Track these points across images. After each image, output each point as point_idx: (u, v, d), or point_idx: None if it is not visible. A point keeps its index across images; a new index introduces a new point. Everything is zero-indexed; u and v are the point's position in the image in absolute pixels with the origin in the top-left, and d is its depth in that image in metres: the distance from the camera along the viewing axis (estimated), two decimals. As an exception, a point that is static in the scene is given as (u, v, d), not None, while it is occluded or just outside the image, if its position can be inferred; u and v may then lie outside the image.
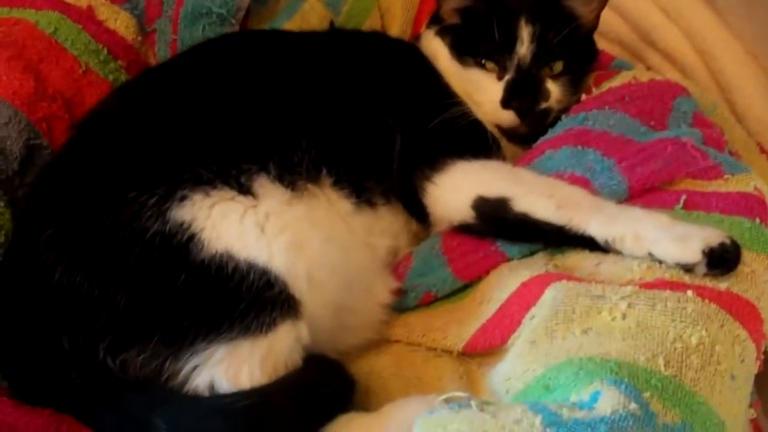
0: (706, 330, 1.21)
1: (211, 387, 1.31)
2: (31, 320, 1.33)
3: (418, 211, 1.68)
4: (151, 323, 1.30)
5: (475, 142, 1.71)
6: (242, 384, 1.31)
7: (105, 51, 1.91)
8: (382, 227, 1.66)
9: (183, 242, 1.32)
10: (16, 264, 1.41)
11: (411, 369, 1.52)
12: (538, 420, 1.04)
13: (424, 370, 1.51)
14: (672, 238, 1.37)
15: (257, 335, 1.31)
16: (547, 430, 1.02)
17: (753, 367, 1.28)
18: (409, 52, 1.90)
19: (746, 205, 1.47)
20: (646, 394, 1.09)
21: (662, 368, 1.14)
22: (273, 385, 1.32)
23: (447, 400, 1.20)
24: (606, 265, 1.42)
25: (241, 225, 1.36)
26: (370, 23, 2.19)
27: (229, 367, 1.31)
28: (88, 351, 1.30)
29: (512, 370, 1.28)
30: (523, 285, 1.42)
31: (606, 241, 1.43)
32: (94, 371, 1.30)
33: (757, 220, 1.45)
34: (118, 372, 1.30)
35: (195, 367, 1.31)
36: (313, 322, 1.38)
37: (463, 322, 1.51)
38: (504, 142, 1.78)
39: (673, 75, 2.03)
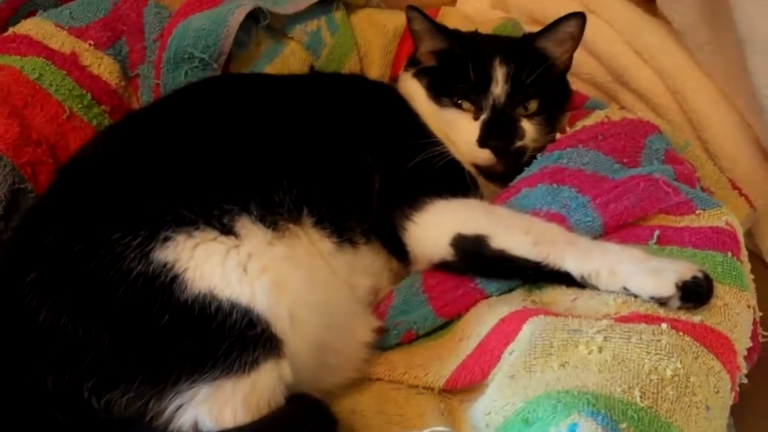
0: (681, 362, 1.23)
1: (195, 426, 1.32)
2: (15, 361, 1.33)
3: (397, 250, 1.70)
4: (135, 363, 1.30)
5: (453, 180, 1.73)
6: (226, 423, 1.32)
7: (89, 96, 1.92)
8: (363, 266, 1.67)
9: (166, 283, 1.33)
10: (0, 306, 1.40)
11: (393, 407, 1.53)
12: (517, 453, 1.06)
13: (406, 408, 1.52)
14: (646, 273, 1.40)
15: (240, 374, 1.32)
16: (526, 462, 1.04)
17: (728, 398, 1.31)
18: (388, 93, 1.93)
19: (718, 239, 1.50)
20: (623, 425, 1.12)
21: (638, 400, 1.16)
22: (256, 423, 1.33)
23: (428, 436, 1.22)
24: (582, 300, 1.45)
25: (223, 265, 1.37)
26: (350, 67, 2.21)
27: (212, 407, 1.32)
28: (73, 391, 1.30)
29: (492, 405, 1.30)
30: (502, 321, 1.44)
31: (582, 277, 1.46)
32: (79, 412, 1.30)
33: (729, 254, 1.48)
34: (103, 412, 1.31)
35: (179, 407, 1.32)
36: (296, 361, 1.38)
37: (443, 359, 1.52)
38: (481, 181, 1.81)
39: (646, 114, 2.06)
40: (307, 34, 2.15)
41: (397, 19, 2.25)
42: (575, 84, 2.03)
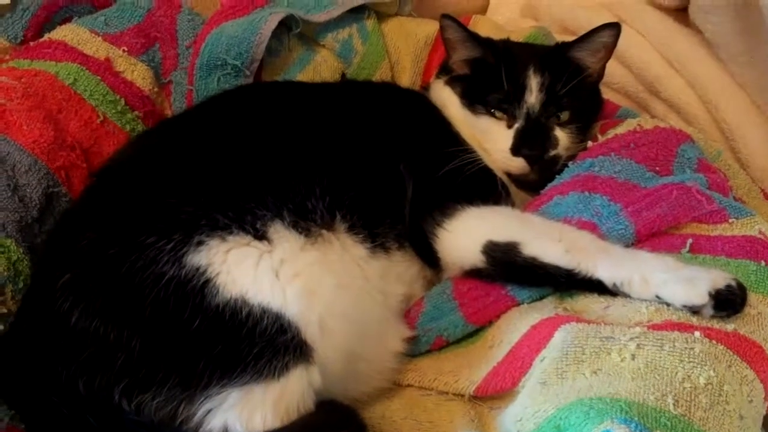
0: (714, 370, 1.23)
1: (225, 431, 1.32)
2: (47, 364, 1.34)
3: (429, 257, 1.69)
4: (166, 367, 1.31)
5: (485, 188, 1.73)
6: (255, 428, 1.32)
7: (122, 101, 1.95)
8: (397, 273, 1.67)
9: (198, 287, 1.33)
10: (33, 309, 1.42)
11: (423, 413, 1.53)
12: (549, 459, 1.05)
13: (435, 414, 1.52)
14: (679, 281, 1.39)
15: (270, 380, 1.33)
16: (559, 469, 1.04)
17: (761, 407, 1.30)
18: (419, 101, 1.93)
19: (751, 248, 1.49)
20: (656, 433, 1.11)
21: (671, 407, 1.16)
22: (285, 428, 1.33)
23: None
24: (615, 307, 1.44)
25: (256, 270, 1.37)
26: (381, 74, 2.23)
27: (242, 411, 1.32)
28: (104, 394, 1.31)
29: (523, 412, 1.29)
30: (533, 328, 1.43)
31: (614, 284, 1.45)
32: (110, 415, 1.31)
33: (763, 263, 1.46)
34: (134, 415, 1.31)
35: (209, 411, 1.32)
36: (325, 368, 1.39)
37: (474, 366, 1.52)
38: (513, 189, 1.80)
39: (677, 124, 2.04)
40: (338, 42, 2.16)
41: (427, 28, 2.27)
42: (606, 93, 2.02)
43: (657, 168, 1.67)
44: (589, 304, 1.49)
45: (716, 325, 1.34)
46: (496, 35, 2.06)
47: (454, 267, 1.66)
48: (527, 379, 1.37)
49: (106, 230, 1.39)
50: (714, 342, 1.28)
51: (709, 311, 1.36)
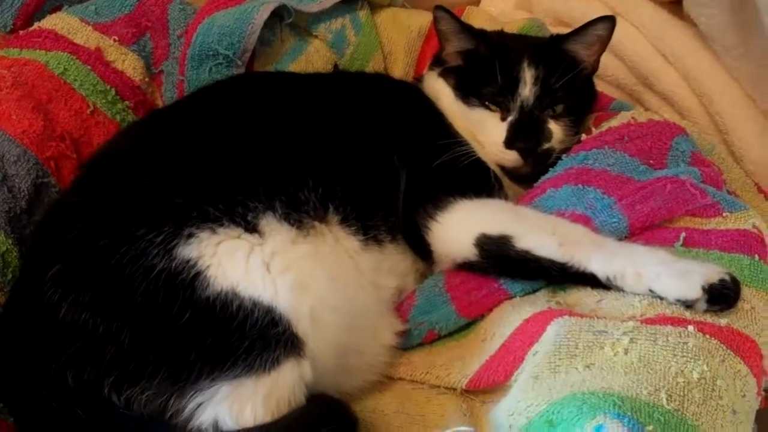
0: (708, 365, 1.22)
1: (215, 424, 1.31)
2: (36, 356, 1.33)
3: (421, 250, 1.69)
4: (156, 360, 1.30)
5: (478, 180, 1.72)
6: (246, 421, 1.32)
7: (113, 91, 1.93)
8: (390, 266, 1.66)
9: (189, 280, 1.32)
10: (22, 301, 1.41)
11: (414, 407, 1.53)
12: (541, 454, 1.05)
13: (427, 408, 1.52)
14: (672, 275, 1.38)
15: (261, 373, 1.32)
16: (551, 463, 1.03)
17: (754, 402, 1.29)
18: (412, 92, 1.93)
19: (745, 242, 1.49)
20: (649, 428, 1.10)
21: (665, 402, 1.15)
22: (276, 422, 1.33)
23: (453, 435, 1.21)
24: (607, 301, 1.43)
25: (247, 263, 1.37)
26: (374, 65, 2.22)
27: (232, 405, 1.32)
28: (93, 387, 1.30)
29: (516, 406, 1.29)
30: (526, 321, 1.43)
31: (607, 278, 1.45)
32: (99, 408, 1.31)
33: (756, 257, 1.46)
34: (123, 408, 1.31)
35: (199, 405, 1.32)
36: (317, 361, 1.38)
37: (466, 359, 1.51)
38: (506, 181, 1.80)
39: (671, 117, 2.04)
40: (331, 32, 2.15)
41: (421, 19, 2.26)
42: (600, 86, 2.03)
43: (651, 161, 1.66)
44: (582, 297, 1.48)
45: (710, 319, 1.34)
46: (490, 27, 2.06)
47: (447, 260, 1.66)
48: (520, 373, 1.37)
49: (95, 222, 1.38)
50: (707, 336, 1.28)
51: (702, 305, 1.36)
